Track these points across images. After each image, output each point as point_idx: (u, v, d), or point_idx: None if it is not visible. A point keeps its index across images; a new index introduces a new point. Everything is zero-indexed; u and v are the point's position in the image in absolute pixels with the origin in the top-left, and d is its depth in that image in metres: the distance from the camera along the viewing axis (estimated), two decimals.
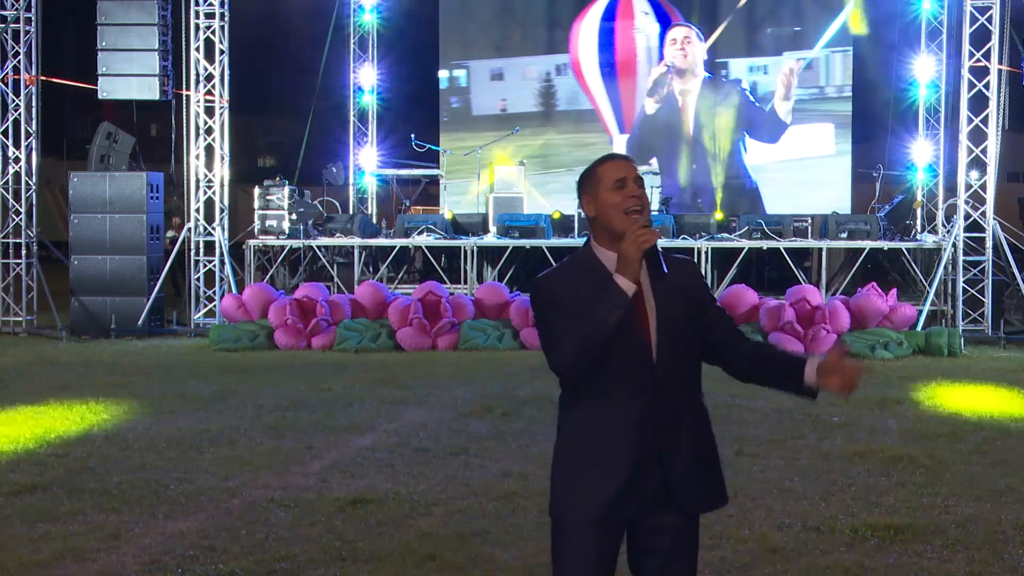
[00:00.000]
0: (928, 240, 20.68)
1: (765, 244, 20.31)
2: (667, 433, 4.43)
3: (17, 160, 21.48)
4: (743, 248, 20.21)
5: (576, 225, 21.35)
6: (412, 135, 24.16)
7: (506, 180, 22.49)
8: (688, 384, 4.51)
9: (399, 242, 21.45)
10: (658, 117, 25.21)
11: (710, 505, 4.63)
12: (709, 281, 20.15)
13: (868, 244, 20.04)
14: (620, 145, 25.07)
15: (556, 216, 21.80)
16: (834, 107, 24.89)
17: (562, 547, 4.74)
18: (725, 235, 20.83)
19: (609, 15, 25.59)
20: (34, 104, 21.53)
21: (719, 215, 21.61)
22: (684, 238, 20.67)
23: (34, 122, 21.52)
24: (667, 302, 4.42)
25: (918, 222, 22.41)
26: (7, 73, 21.41)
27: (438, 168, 24.95)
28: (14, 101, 21.40)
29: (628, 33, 25.37)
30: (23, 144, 21.46)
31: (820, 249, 20.27)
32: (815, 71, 25.08)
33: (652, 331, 4.40)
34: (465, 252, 20.93)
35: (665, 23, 25.38)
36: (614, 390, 4.40)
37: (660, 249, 4.40)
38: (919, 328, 18.51)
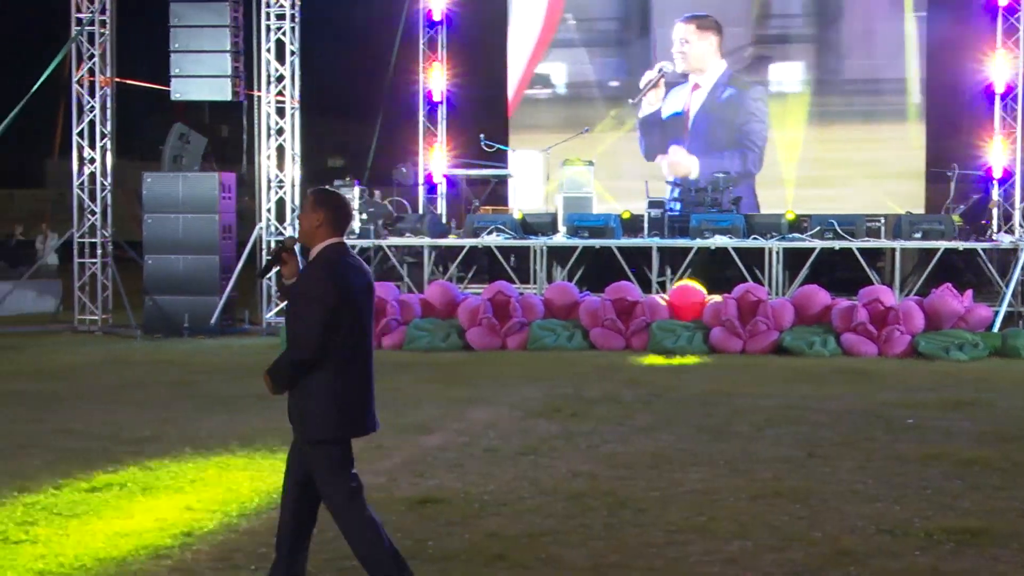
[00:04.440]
0: (1005, 240, 20.39)
1: (837, 244, 20.11)
2: None
3: (92, 161, 21.75)
4: (815, 248, 20.03)
5: (646, 225, 21.25)
6: (481, 135, 24.16)
7: (575, 180, 22.42)
8: None
9: (468, 242, 21.46)
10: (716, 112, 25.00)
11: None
12: (780, 282, 20.01)
13: (943, 244, 19.78)
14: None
15: (626, 216, 21.70)
16: (907, 104, 24.59)
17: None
18: (796, 235, 20.65)
19: None
20: (109, 106, 21.79)
21: (791, 214, 21.41)
22: (755, 238, 20.52)
23: (109, 123, 21.77)
24: None
25: (994, 222, 22.09)
26: (83, 75, 21.68)
27: (507, 168, 24.94)
28: (89, 103, 21.67)
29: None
30: (98, 145, 21.72)
31: (894, 249, 20.03)
32: (888, 68, 24.78)
33: None
34: (534, 252, 20.90)
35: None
36: None
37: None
38: (995, 329, 18.24)
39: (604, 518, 8.34)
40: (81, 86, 21.75)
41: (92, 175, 21.76)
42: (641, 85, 24.93)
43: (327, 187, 6.52)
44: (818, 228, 20.49)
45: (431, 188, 25.75)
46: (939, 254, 19.71)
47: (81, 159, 21.80)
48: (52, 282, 25.88)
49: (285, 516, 6.45)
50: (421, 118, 25.83)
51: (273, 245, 19.72)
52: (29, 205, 45.15)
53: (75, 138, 21.80)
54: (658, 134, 25.07)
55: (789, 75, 25.34)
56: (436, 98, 25.87)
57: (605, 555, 7.47)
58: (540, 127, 25.47)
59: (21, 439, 11.18)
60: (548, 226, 22.00)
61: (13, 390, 14.10)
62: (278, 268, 6.36)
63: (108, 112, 21.80)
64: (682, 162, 24.66)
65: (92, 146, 21.74)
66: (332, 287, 6.06)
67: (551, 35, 25.94)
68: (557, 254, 21.26)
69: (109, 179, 21.89)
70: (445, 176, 25.92)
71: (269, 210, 21.38)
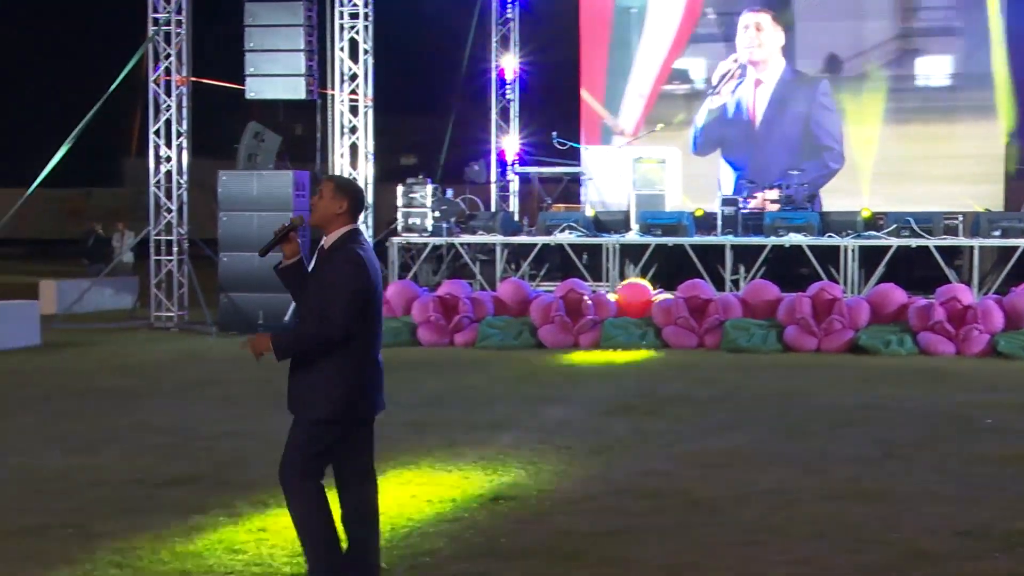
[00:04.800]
0: None
1: (914, 242, 19.89)
2: None
3: (168, 159, 21.96)
4: (891, 246, 19.81)
5: (719, 223, 21.13)
6: (554, 133, 24.15)
7: (648, 177, 22.36)
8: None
9: (541, 239, 21.45)
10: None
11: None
12: (855, 280, 19.81)
13: (1023, 243, 19.50)
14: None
15: (699, 213, 21.60)
16: (989, 100, 24.24)
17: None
18: (872, 233, 20.43)
19: None
20: (184, 104, 21.99)
21: (866, 212, 21.19)
22: (830, 236, 20.34)
23: (185, 122, 21.98)
24: None
25: None
26: (159, 75, 21.90)
27: (580, 165, 24.91)
28: (166, 102, 21.88)
29: None
30: (174, 144, 21.93)
31: (972, 247, 19.76)
32: (966, 62, 24.46)
33: None
34: (607, 250, 20.86)
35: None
36: None
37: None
38: None
39: (678, 517, 8.29)
40: (158, 85, 21.96)
41: (168, 173, 21.98)
42: (715, 79, 24.71)
43: (344, 176, 6.77)
44: (894, 226, 20.27)
45: (502, 169, 25.69)
46: (1019, 252, 19.42)
47: (158, 158, 22.02)
48: (129, 279, 26.19)
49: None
50: (494, 116, 25.88)
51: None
52: (107, 203, 45.71)
53: (152, 137, 22.02)
54: (722, 129, 24.87)
55: (931, 68, 24.87)
56: (509, 96, 25.89)
57: (679, 555, 7.43)
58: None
59: (100, 434, 11.31)
60: (621, 223, 21.96)
61: (91, 386, 14.28)
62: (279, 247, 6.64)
63: (184, 111, 21.99)
64: (750, 159, 24.46)
65: (168, 145, 21.95)
66: (363, 271, 6.33)
67: (690, 30, 25.58)
68: (630, 252, 21.20)
69: (185, 177, 22.09)
70: (517, 174, 25.93)
71: None
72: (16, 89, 56.04)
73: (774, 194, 21.93)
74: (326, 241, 6.49)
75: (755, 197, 22.17)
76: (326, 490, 6.42)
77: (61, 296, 23.49)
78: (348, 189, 6.55)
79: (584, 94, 25.79)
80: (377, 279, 6.47)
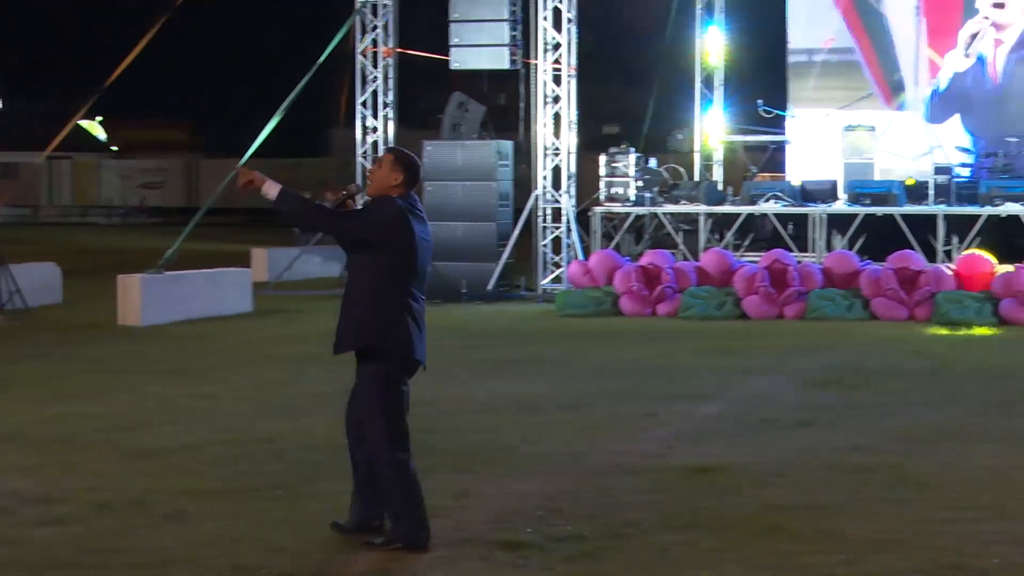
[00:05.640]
0: None
1: None
2: None
3: (375, 130, 22.34)
4: None
5: (931, 192, 20.51)
6: (759, 101, 23.76)
7: (856, 146, 21.84)
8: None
9: (745, 209, 21.16)
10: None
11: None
12: None
13: None
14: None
15: (910, 183, 21.00)
16: None
17: None
18: None
19: None
20: (391, 76, 22.32)
21: None
22: None
23: (391, 93, 22.31)
24: None
25: None
26: (366, 47, 22.26)
27: (785, 134, 24.46)
28: (372, 73, 22.25)
29: None
30: (380, 114, 22.29)
31: None
32: None
33: None
34: (813, 220, 20.47)
35: None
36: None
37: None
38: None
39: (885, 492, 8.10)
40: (365, 57, 22.34)
41: (375, 144, 22.35)
42: (962, 39, 23.41)
43: (404, 149, 7.18)
44: None
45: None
46: None
47: (364, 128, 22.41)
48: (337, 248, 26.66)
49: (353, 461, 7.13)
50: (697, 84, 25.55)
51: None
52: (315, 173, 46.68)
53: (359, 108, 22.42)
54: (962, 93, 23.68)
55: None
56: (713, 63, 25.54)
57: (886, 530, 7.25)
58: (819, 91, 24.73)
59: (308, 400, 11.57)
60: (828, 193, 21.50)
61: (300, 352, 14.63)
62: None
63: (390, 82, 22.33)
64: (979, 124, 23.35)
65: (375, 115, 22.32)
66: (393, 220, 6.80)
67: None
68: (837, 222, 20.74)
69: None
70: (722, 143, 25.60)
71: (545, 177, 21.52)
72: (230, 63, 57.76)
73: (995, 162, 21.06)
74: None
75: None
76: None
77: (272, 264, 24.11)
78: (406, 162, 6.94)
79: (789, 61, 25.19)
80: (420, 237, 6.98)
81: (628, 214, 21.79)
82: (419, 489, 6.88)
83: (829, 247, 20.36)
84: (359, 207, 7.23)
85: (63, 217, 53.59)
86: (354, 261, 7.05)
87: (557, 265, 21.36)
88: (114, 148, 62.94)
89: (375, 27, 22.18)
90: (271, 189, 6.86)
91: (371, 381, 6.91)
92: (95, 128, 63.12)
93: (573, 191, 21.61)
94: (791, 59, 24.93)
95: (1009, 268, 17.66)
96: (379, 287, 6.89)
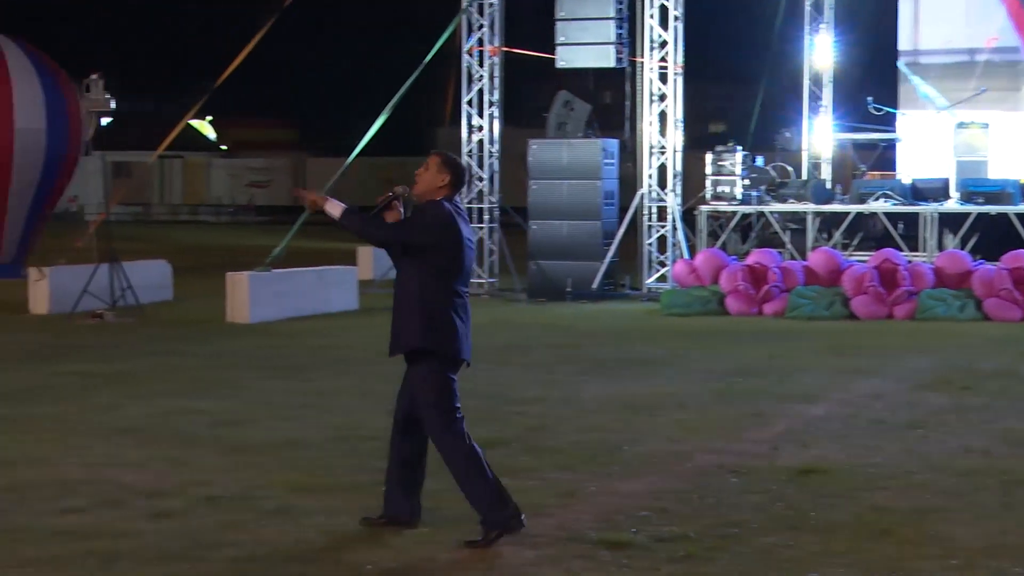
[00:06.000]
0: None
1: None
2: None
3: (480, 128, 22.40)
4: None
5: None
6: (869, 98, 23.43)
7: (970, 143, 21.45)
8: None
9: (854, 208, 20.89)
10: None
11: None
12: None
13: None
14: None
15: None
16: None
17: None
18: None
19: None
20: (496, 74, 22.36)
21: None
22: None
23: (496, 92, 22.35)
24: None
25: None
26: (472, 45, 22.33)
27: (895, 132, 24.10)
28: (478, 72, 22.31)
29: None
30: (486, 113, 22.35)
31: None
32: None
33: None
34: (924, 219, 20.15)
35: None
36: None
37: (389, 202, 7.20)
38: None
39: (999, 497, 7.93)
40: (471, 56, 22.41)
41: (480, 142, 22.42)
42: None
43: (451, 153, 7.33)
44: None
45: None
46: None
47: (470, 127, 22.48)
48: None
49: (391, 455, 7.45)
50: (806, 82, 25.30)
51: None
52: None
53: (464, 106, 22.49)
54: None
55: None
56: (822, 61, 25.25)
57: (999, 535, 7.10)
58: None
59: None
60: (940, 192, 21.15)
61: None
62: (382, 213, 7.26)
63: (496, 81, 22.38)
64: None
65: (480, 114, 22.38)
66: (444, 221, 6.94)
67: None
68: (949, 221, 20.41)
69: (496, 146, 22.48)
70: (831, 141, 25.29)
71: (651, 176, 21.42)
72: (336, 63, 58.30)
73: None
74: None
75: None
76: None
77: (377, 262, 24.26)
78: (452, 165, 7.09)
79: (901, 65, 24.75)
80: (467, 237, 7.06)
81: (734, 213, 21.63)
82: (489, 468, 7.06)
83: (940, 246, 20.04)
84: (401, 210, 7.33)
85: (173, 215, 54.55)
86: (403, 267, 7.28)
87: (662, 264, 21.27)
88: (223, 147, 63.90)
89: (481, 26, 22.24)
90: (334, 209, 7.10)
91: (423, 379, 7.18)
92: (205, 128, 64.13)
93: (679, 189, 21.50)
94: (903, 60, 24.51)
95: None
96: (428, 290, 7.10)
